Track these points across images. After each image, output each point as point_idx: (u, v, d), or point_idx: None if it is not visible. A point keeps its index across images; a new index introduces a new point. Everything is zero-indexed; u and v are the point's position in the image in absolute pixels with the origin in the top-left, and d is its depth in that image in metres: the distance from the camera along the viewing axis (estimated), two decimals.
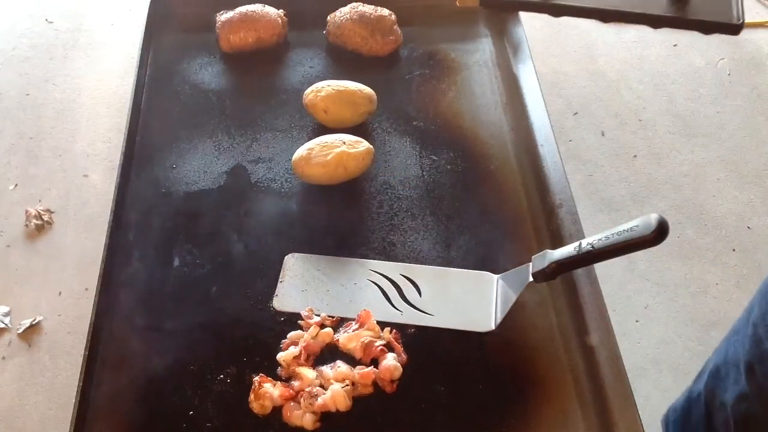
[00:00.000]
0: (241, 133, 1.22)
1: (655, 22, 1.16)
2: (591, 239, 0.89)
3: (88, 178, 2.41)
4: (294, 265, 1.02)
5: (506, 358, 0.94)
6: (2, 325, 2.02)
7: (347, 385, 0.88)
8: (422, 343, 0.94)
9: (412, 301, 0.99)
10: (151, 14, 1.38)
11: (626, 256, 0.88)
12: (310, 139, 1.16)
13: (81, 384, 0.87)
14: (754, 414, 1.04)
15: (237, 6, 1.35)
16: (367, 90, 1.21)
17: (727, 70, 2.75)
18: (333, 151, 1.10)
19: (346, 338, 0.93)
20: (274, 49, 1.35)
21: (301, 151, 1.12)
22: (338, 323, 0.96)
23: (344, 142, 1.12)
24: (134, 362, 0.93)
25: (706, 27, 1.14)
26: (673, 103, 2.69)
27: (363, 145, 1.13)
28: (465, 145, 1.21)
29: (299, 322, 0.95)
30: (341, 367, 0.90)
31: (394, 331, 0.94)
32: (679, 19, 1.14)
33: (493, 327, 0.95)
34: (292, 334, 0.94)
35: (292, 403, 0.87)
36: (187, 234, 1.07)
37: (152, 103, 1.26)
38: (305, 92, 1.21)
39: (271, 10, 1.35)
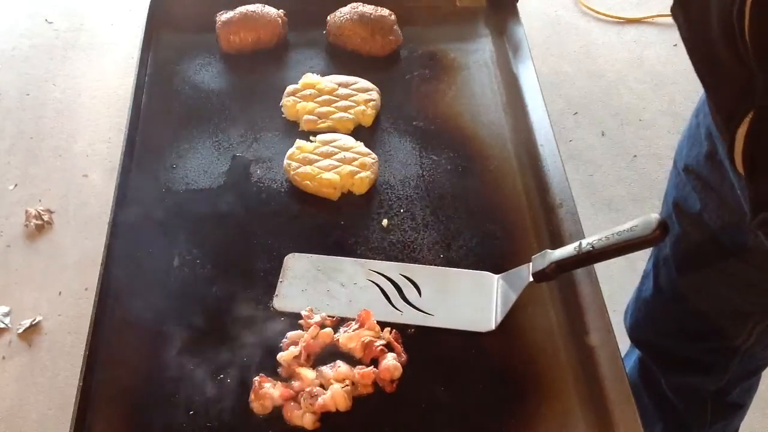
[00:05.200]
0: (241, 133, 1.22)
1: None
2: (591, 239, 0.89)
3: (88, 178, 2.41)
4: (294, 265, 1.02)
5: (506, 358, 0.94)
6: (2, 325, 2.02)
7: (347, 385, 0.88)
8: (422, 343, 0.94)
9: (412, 301, 0.99)
10: (151, 14, 1.38)
11: (626, 256, 0.89)
12: (307, 138, 1.16)
13: (81, 384, 0.87)
14: (687, 250, 1.13)
15: (237, 6, 1.35)
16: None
17: None
18: (331, 177, 1.10)
19: (346, 338, 0.93)
20: (274, 49, 1.35)
21: (295, 165, 1.12)
22: (338, 323, 0.96)
23: (345, 167, 1.12)
24: (134, 362, 0.93)
25: None
26: (673, 103, 2.69)
27: (365, 172, 1.12)
28: (465, 145, 1.21)
29: (299, 322, 0.95)
30: (341, 367, 0.90)
31: (394, 331, 0.94)
32: None
33: (493, 327, 0.95)
34: (292, 334, 0.94)
35: (292, 403, 0.87)
36: (187, 234, 1.07)
37: (152, 103, 1.26)
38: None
39: (271, 10, 1.35)
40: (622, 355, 1.49)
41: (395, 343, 0.93)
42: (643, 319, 1.31)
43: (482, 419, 0.88)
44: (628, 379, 0.88)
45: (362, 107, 1.21)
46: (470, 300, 0.98)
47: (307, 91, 1.23)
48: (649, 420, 1.37)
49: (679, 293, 1.19)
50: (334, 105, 1.22)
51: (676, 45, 2.86)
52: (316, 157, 1.13)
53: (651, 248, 1.26)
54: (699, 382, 1.27)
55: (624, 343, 1.50)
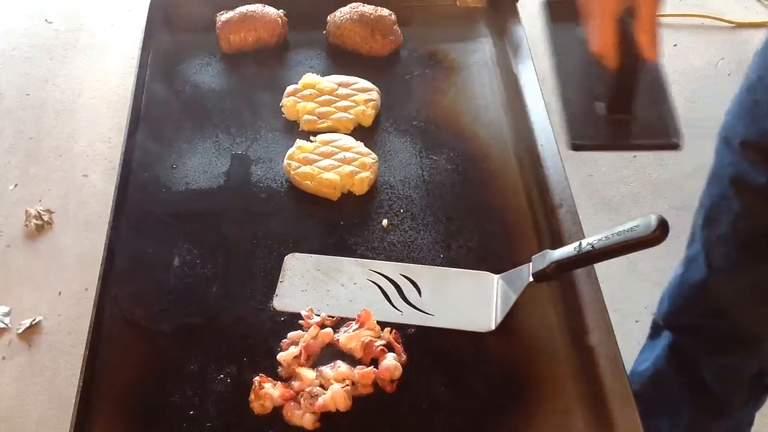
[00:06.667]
0: (241, 133, 1.22)
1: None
2: (591, 239, 0.89)
3: (88, 178, 2.42)
4: (294, 265, 1.02)
5: (506, 358, 0.94)
6: (2, 325, 2.02)
7: (347, 385, 0.88)
8: (422, 343, 0.94)
9: (412, 301, 0.99)
10: (151, 14, 1.38)
11: (626, 256, 0.89)
12: (307, 138, 1.16)
13: (81, 384, 0.87)
14: (751, 225, 1.13)
15: (237, 6, 1.35)
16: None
17: (727, 71, 2.75)
18: (331, 177, 1.10)
19: (346, 338, 0.93)
20: (274, 49, 1.35)
21: (295, 165, 1.12)
22: (338, 323, 0.96)
23: (345, 167, 1.11)
24: (134, 362, 0.93)
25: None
26: None
27: (365, 172, 1.12)
28: (465, 145, 1.20)
29: (299, 322, 0.95)
30: (341, 367, 0.90)
31: (394, 331, 0.94)
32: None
33: (493, 327, 0.95)
34: (292, 334, 0.94)
35: (292, 403, 0.87)
36: (187, 234, 1.07)
37: (152, 103, 1.26)
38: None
39: (271, 10, 1.35)
40: (641, 346, 1.48)
41: (395, 343, 0.93)
42: (687, 303, 1.31)
43: (482, 419, 0.88)
44: (627, 378, 0.88)
45: (362, 107, 1.21)
46: (470, 300, 0.98)
47: (307, 91, 1.23)
48: (674, 407, 1.37)
49: (737, 270, 1.19)
50: (334, 105, 1.22)
51: (676, 45, 2.86)
52: (316, 157, 1.13)
53: (691, 235, 1.28)
54: (740, 363, 1.28)
55: (630, 340, 1.50)
